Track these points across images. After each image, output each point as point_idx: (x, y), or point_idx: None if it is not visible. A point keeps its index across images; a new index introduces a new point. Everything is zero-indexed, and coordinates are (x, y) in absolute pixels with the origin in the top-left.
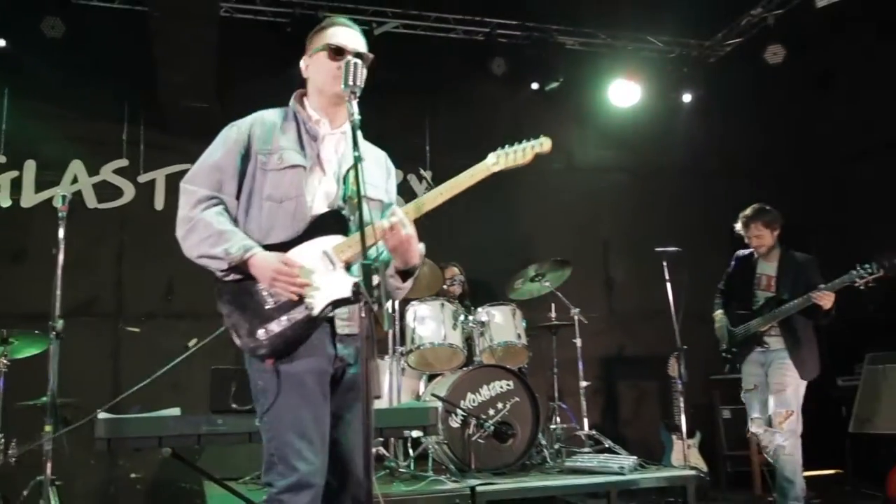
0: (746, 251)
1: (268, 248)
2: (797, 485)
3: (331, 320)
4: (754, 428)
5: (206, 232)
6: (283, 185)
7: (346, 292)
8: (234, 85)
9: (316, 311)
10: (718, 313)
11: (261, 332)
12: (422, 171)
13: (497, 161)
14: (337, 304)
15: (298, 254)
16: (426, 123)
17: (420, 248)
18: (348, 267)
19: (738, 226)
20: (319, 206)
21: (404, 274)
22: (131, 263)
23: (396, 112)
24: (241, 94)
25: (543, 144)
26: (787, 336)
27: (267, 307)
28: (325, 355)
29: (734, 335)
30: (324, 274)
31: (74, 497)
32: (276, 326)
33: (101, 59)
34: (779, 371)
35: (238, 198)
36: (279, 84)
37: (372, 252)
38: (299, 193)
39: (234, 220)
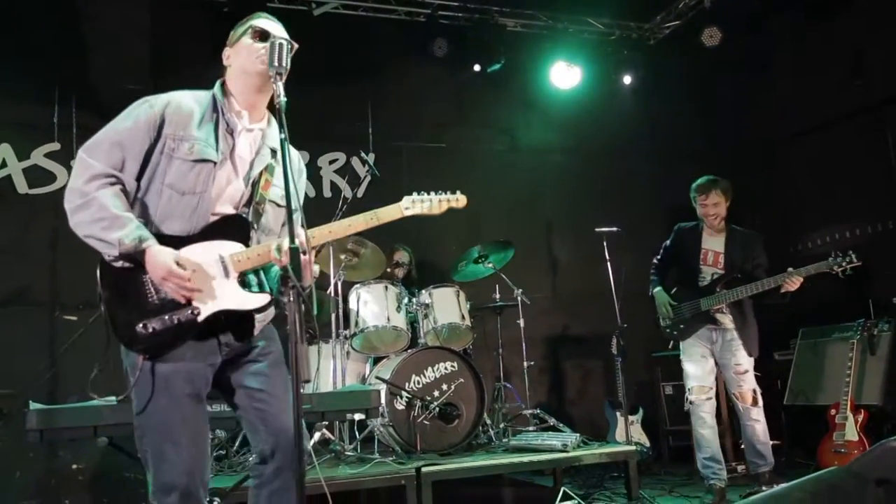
0: (689, 224)
1: (160, 238)
2: (770, 446)
3: (236, 319)
4: (694, 396)
5: (100, 213)
6: (188, 177)
7: (235, 305)
8: (169, 66)
9: (201, 317)
10: (658, 290)
11: (140, 327)
12: (363, 154)
13: (410, 207)
14: (224, 314)
15: (192, 253)
16: (368, 105)
17: (314, 269)
18: (243, 278)
19: (694, 193)
20: (223, 206)
21: None
22: (66, 250)
23: (338, 94)
24: (176, 75)
25: (459, 200)
26: (735, 315)
27: (151, 300)
28: (207, 350)
29: (680, 311)
30: (216, 280)
31: (13, 491)
32: (157, 324)
33: (29, 40)
34: (736, 352)
35: (139, 179)
36: (216, 66)
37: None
38: (204, 190)
39: (131, 204)
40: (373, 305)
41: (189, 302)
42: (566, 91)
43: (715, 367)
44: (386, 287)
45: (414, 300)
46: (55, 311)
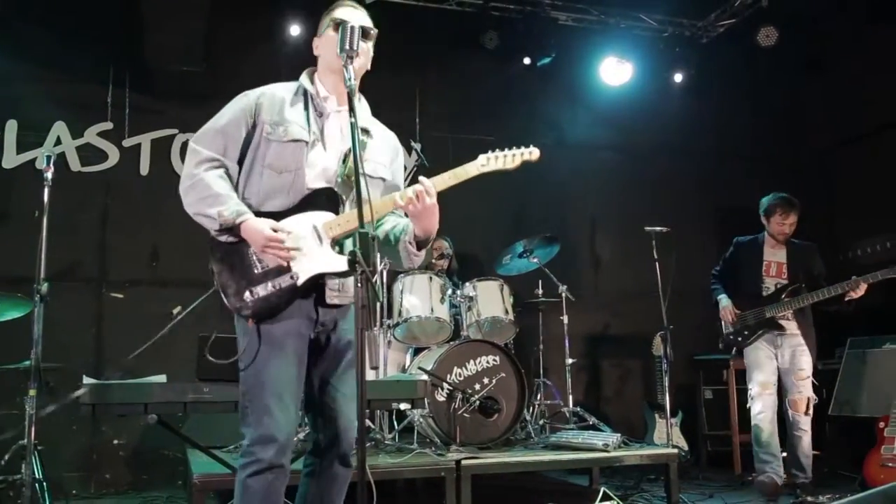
0: (748, 237)
1: (262, 215)
2: (811, 460)
3: (320, 288)
4: (758, 388)
5: (204, 192)
6: (284, 156)
7: (330, 268)
8: (223, 50)
9: (300, 281)
10: (722, 296)
11: (247, 294)
12: (412, 143)
13: (486, 163)
14: (320, 277)
15: (288, 223)
16: (416, 95)
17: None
18: (335, 244)
19: (773, 211)
20: (316, 182)
21: (420, 243)
22: (115, 229)
23: (387, 83)
24: (229, 59)
25: (532, 153)
26: (801, 321)
27: (255, 271)
28: (307, 319)
29: (744, 319)
30: (311, 247)
31: (56, 463)
32: (261, 290)
33: (87, 19)
34: (801, 357)
35: (241, 163)
36: (268, 51)
37: (366, 228)
38: (298, 167)
39: (235, 186)
40: (417, 295)
41: (289, 268)
42: (616, 87)
43: (777, 371)
44: (430, 278)
45: (458, 292)
46: (102, 289)
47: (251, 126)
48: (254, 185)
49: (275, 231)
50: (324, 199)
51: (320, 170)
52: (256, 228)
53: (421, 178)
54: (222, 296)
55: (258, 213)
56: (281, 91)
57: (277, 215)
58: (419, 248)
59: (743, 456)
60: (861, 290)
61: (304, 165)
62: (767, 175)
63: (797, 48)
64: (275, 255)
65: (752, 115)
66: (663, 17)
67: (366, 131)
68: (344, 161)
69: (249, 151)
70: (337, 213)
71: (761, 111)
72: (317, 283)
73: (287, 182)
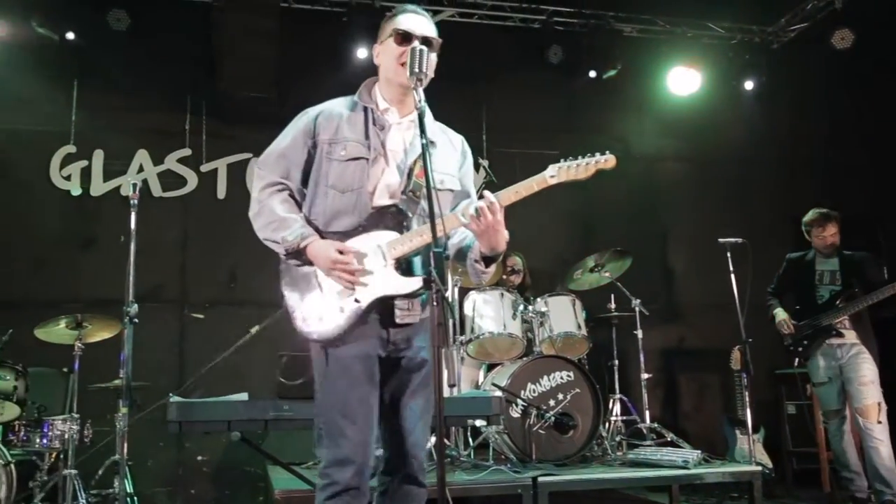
0: (797, 254)
1: (329, 235)
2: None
3: (388, 309)
4: (828, 419)
5: (269, 217)
6: (346, 176)
7: (393, 290)
8: (292, 75)
9: (364, 304)
10: (778, 309)
11: (313, 320)
12: (480, 160)
13: (556, 174)
14: (384, 300)
15: (353, 244)
16: (483, 112)
17: (505, 234)
18: (399, 264)
19: (809, 227)
20: (381, 198)
21: (487, 259)
22: (195, 251)
23: (453, 101)
24: (298, 84)
25: (608, 161)
26: (859, 329)
27: (321, 295)
28: (375, 339)
29: (802, 328)
30: (376, 268)
31: (145, 477)
32: (327, 315)
33: (165, 51)
34: (862, 364)
35: (305, 184)
36: (336, 74)
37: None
38: (361, 185)
39: (300, 206)
40: (489, 312)
41: (353, 291)
42: (684, 97)
43: (842, 389)
44: (502, 294)
45: (530, 308)
46: (184, 309)
47: (311, 146)
48: (319, 205)
49: (341, 253)
50: (389, 218)
51: (384, 186)
52: (322, 252)
53: (486, 192)
54: (291, 319)
55: (325, 234)
56: (339, 107)
57: (344, 235)
58: (487, 265)
59: (832, 474)
60: None
61: (367, 183)
62: (842, 184)
63: (874, 51)
64: (339, 276)
65: (827, 121)
66: (732, 25)
67: (431, 142)
68: (409, 175)
69: (313, 172)
70: (402, 231)
71: (837, 117)
72: (384, 304)
73: (351, 201)
